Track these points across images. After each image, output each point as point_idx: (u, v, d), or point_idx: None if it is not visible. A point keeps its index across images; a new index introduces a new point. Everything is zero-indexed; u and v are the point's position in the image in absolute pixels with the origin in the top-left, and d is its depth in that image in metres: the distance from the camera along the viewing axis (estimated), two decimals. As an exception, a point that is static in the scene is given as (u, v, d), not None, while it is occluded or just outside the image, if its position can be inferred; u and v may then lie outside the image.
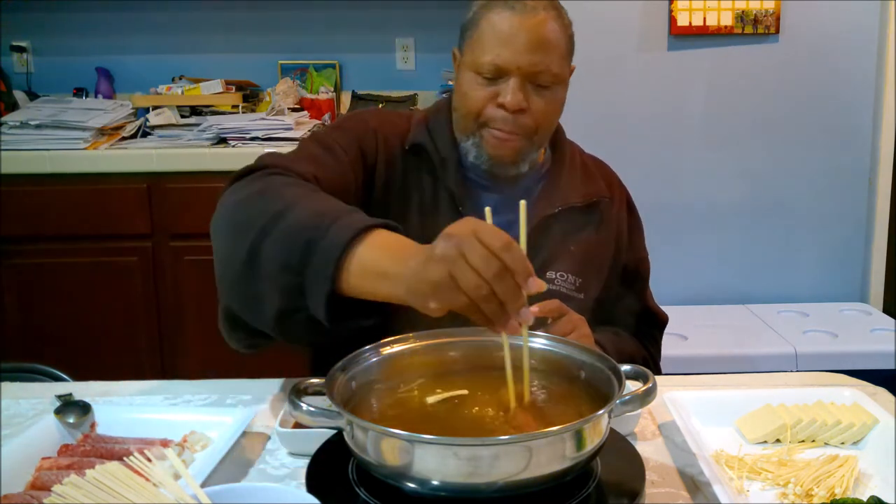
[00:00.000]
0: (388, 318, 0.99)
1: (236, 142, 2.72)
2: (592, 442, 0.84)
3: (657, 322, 1.49)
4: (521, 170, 1.30)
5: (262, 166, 1.12)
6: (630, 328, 1.45)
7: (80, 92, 3.09)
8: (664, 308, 1.52)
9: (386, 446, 0.83)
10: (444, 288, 0.83)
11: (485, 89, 1.24)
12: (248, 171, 1.12)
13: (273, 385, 1.24)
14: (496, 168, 1.29)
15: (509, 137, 1.24)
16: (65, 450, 1.00)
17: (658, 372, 1.49)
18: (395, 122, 1.34)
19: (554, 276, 1.31)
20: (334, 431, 0.96)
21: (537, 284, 0.83)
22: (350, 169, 1.24)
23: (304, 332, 1.01)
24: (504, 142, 1.25)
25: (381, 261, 0.92)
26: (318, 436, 0.98)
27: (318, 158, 1.21)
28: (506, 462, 0.80)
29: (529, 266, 0.83)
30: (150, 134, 2.82)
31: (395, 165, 1.30)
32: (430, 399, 0.97)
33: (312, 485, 0.89)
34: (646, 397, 0.91)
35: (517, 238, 0.87)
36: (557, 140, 1.40)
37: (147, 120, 2.82)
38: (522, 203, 0.93)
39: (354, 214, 0.98)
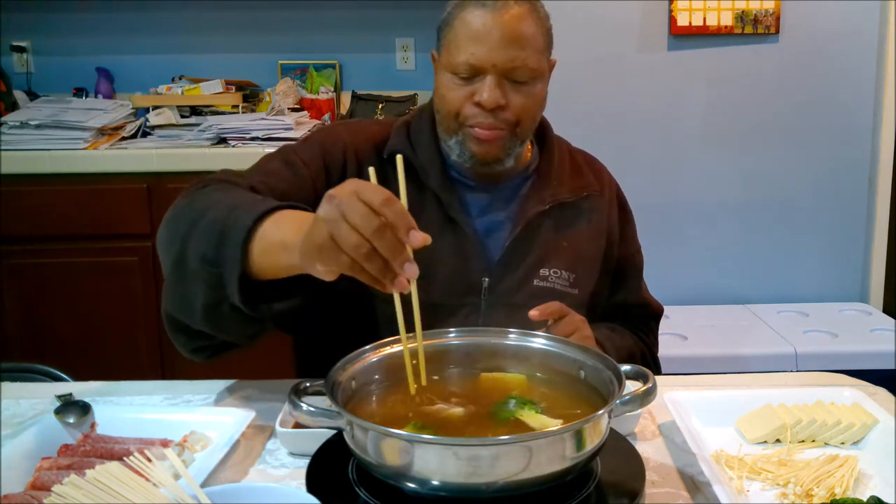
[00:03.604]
0: (308, 298, 1.01)
1: (236, 142, 2.72)
2: (592, 442, 0.85)
3: (653, 313, 1.49)
4: (506, 165, 1.29)
5: (201, 182, 1.17)
6: (626, 321, 1.45)
7: (80, 92, 3.09)
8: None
9: (386, 446, 0.83)
10: (326, 249, 0.84)
11: (462, 89, 1.23)
12: (193, 186, 1.17)
13: (273, 385, 1.24)
14: (480, 166, 1.28)
15: (490, 134, 1.23)
16: (65, 450, 1.00)
17: (657, 363, 1.49)
18: (373, 132, 1.33)
19: (548, 273, 1.31)
20: (334, 431, 0.96)
21: (420, 238, 0.83)
22: (311, 183, 1.24)
23: (233, 324, 1.04)
24: (485, 141, 1.24)
25: (281, 233, 0.95)
26: (318, 436, 0.98)
27: (272, 172, 1.24)
28: (506, 462, 0.80)
29: (410, 219, 0.84)
30: (150, 134, 2.82)
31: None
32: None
33: (312, 485, 0.89)
34: (646, 397, 0.91)
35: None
36: (545, 136, 1.40)
37: (147, 120, 2.81)
38: (399, 157, 0.92)
39: (263, 202, 1.02)
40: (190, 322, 1.07)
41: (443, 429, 0.91)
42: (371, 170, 0.93)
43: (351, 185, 0.85)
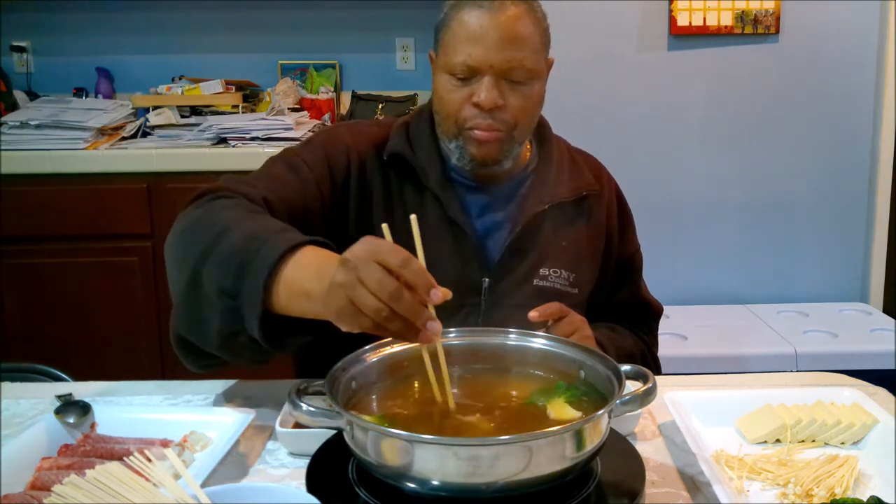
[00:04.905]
0: (325, 332, 0.99)
1: (236, 142, 2.72)
2: (592, 442, 0.85)
3: (653, 313, 1.50)
4: (505, 167, 1.29)
5: (211, 190, 1.15)
6: (626, 320, 1.45)
7: (80, 92, 3.09)
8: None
9: (386, 446, 0.83)
10: (346, 313, 0.85)
11: (460, 90, 1.22)
12: (200, 195, 1.14)
13: (273, 385, 1.24)
14: (479, 167, 1.28)
15: (489, 136, 1.23)
16: (65, 450, 1.00)
17: (657, 363, 1.49)
18: (373, 134, 1.33)
19: (547, 273, 1.31)
20: (334, 431, 0.96)
21: (441, 294, 0.84)
22: (316, 186, 1.24)
23: (248, 353, 1.02)
24: (485, 142, 1.23)
25: (303, 280, 0.93)
26: (318, 436, 0.98)
27: (278, 178, 1.22)
28: (506, 462, 0.80)
29: (430, 278, 0.84)
30: (150, 134, 2.82)
31: (373, 178, 1.29)
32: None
33: (312, 485, 0.89)
34: (646, 397, 0.91)
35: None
36: (544, 136, 1.39)
37: (147, 120, 2.82)
38: (413, 217, 0.92)
39: (284, 234, 0.99)
40: (203, 346, 1.05)
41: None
42: (384, 226, 0.91)
43: (365, 245, 0.84)
